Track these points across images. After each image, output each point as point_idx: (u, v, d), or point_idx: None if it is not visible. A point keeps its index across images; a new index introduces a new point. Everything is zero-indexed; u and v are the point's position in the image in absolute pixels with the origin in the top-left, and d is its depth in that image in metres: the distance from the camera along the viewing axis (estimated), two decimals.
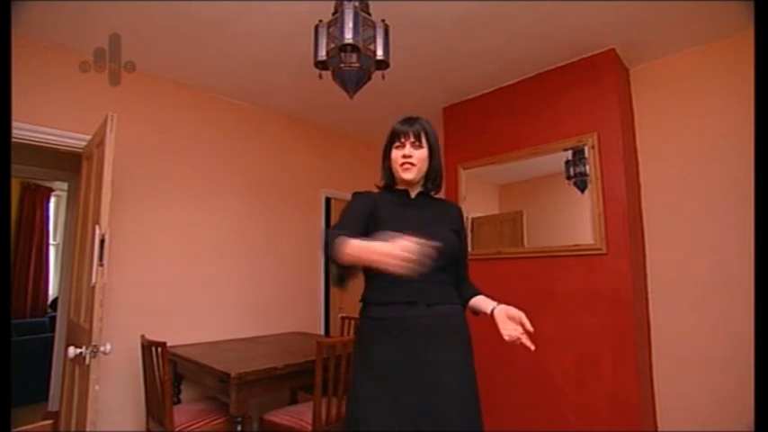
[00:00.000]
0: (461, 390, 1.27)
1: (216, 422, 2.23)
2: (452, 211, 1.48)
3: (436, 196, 1.49)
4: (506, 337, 1.20)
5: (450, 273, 1.38)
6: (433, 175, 1.41)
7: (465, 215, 1.41)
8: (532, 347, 1.17)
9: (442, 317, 1.31)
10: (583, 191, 2.61)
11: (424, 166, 1.38)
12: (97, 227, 1.86)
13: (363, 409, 1.23)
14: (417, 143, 1.36)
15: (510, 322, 1.24)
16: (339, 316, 3.78)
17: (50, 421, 3.29)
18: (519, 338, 1.20)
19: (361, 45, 1.65)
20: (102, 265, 1.83)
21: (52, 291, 5.27)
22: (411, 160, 1.35)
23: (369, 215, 1.36)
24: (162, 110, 2.91)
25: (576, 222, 2.62)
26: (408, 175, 1.36)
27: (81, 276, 2.19)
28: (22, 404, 3.53)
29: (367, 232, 1.29)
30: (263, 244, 3.36)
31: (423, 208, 1.41)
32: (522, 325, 1.21)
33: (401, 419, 1.19)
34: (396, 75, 2.63)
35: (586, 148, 2.60)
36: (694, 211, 2.50)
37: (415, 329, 1.27)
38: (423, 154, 1.36)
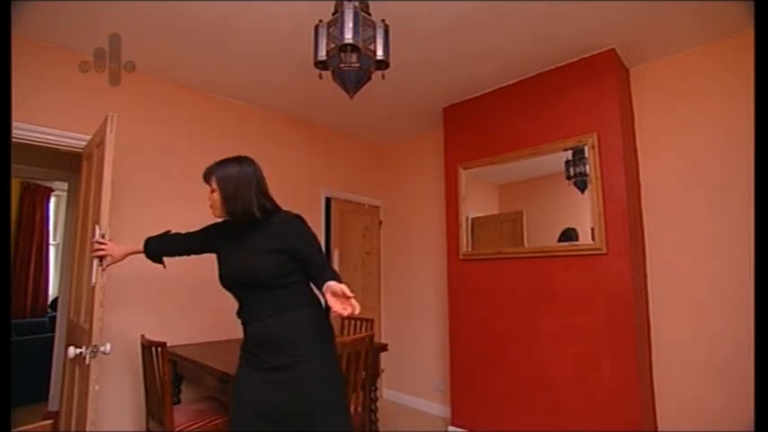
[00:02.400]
0: (297, 389, 1.45)
1: (216, 422, 2.23)
2: (280, 229, 1.52)
3: (278, 214, 1.57)
4: (336, 314, 1.26)
5: (279, 289, 1.49)
6: (237, 212, 1.50)
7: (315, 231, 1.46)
8: (356, 311, 1.24)
9: (268, 328, 1.48)
10: (583, 191, 2.61)
11: (219, 208, 1.53)
12: (97, 227, 1.86)
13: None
14: (211, 188, 1.54)
15: (337, 299, 1.27)
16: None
17: (50, 421, 3.29)
18: (345, 311, 1.25)
19: (361, 45, 1.65)
20: (101, 265, 1.83)
21: (52, 291, 5.27)
22: (210, 203, 1.56)
23: (210, 237, 1.73)
24: (162, 110, 2.91)
25: (576, 222, 2.62)
26: (214, 214, 1.58)
27: (81, 276, 2.18)
28: (22, 404, 3.53)
29: (197, 245, 1.81)
30: None
31: (247, 237, 1.54)
32: (344, 294, 1.26)
33: (246, 420, 1.46)
34: (396, 75, 2.63)
35: (586, 148, 2.60)
36: (694, 211, 2.51)
37: (248, 342, 1.55)
38: (216, 197, 1.53)
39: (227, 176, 1.52)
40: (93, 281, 1.83)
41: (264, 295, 1.49)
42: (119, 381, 2.56)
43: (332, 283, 1.33)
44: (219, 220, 1.66)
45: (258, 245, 1.50)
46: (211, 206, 1.58)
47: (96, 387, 1.74)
